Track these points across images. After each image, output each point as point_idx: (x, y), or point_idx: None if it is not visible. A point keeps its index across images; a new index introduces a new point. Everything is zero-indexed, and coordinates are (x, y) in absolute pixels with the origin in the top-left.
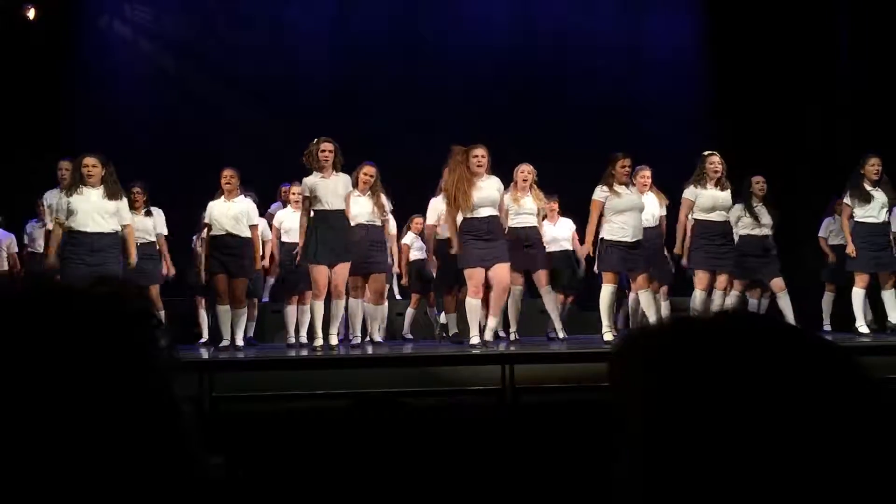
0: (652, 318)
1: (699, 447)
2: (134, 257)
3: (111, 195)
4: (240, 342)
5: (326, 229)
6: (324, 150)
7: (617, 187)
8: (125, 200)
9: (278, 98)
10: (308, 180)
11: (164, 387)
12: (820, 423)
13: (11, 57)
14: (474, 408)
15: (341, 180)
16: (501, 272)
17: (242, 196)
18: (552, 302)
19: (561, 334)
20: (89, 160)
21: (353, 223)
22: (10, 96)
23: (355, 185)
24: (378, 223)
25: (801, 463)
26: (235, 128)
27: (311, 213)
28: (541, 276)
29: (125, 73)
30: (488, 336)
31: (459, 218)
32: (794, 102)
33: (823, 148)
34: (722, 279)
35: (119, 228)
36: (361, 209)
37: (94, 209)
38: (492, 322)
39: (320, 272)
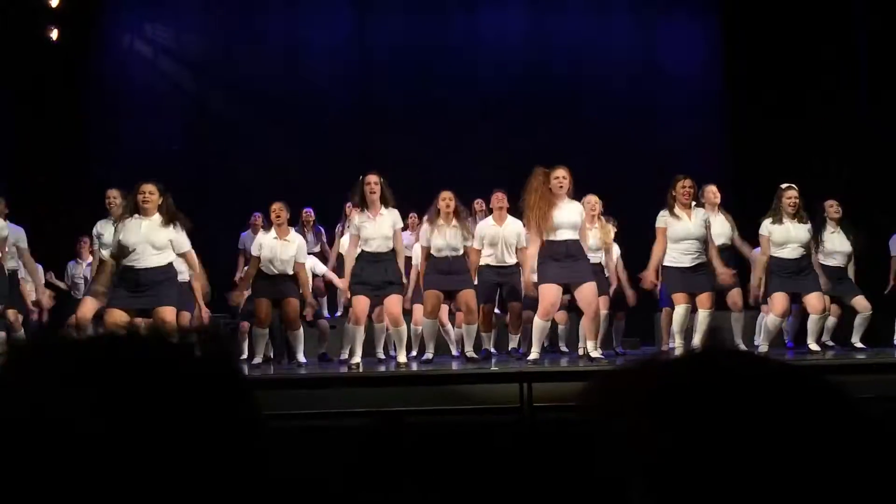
0: (697, 338)
1: (702, 487)
2: (204, 286)
3: (165, 224)
4: (302, 359)
5: (372, 267)
6: (369, 183)
7: (678, 211)
8: (182, 230)
9: (296, 116)
10: (356, 219)
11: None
12: (811, 453)
13: (34, 76)
14: (492, 426)
15: (388, 219)
16: (587, 292)
17: (293, 232)
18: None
19: (594, 354)
20: (146, 187)
21: (436, 255)
22: (33, 115)
23: (437, 215)
24: (461, 252)
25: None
26: (253, 145)
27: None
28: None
29: (145, 91)
30: (594, 354)
31: (534, 249)
32: (814, 111)
33: (843, 156)
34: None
35: (172, 260)
36: (447, 241)
37: (143, 241)
38: (590, 345)
39: (359, 302)
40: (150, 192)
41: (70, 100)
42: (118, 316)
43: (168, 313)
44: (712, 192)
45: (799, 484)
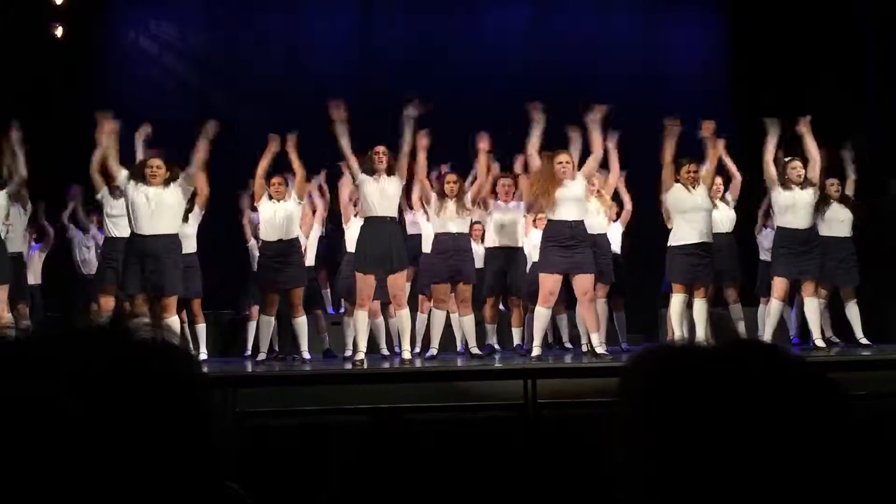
0: (700, 331)
1: (691, 473)
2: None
3: (167, 185)
4: (306, 355)
5: (376, 236)
6: (377, 152)
7: (685, 185)
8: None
9: (299, 112)
10: (360, 177)
11: (194, 415)
12: (798, 441)
13: (39, 73)
14: (496, 423)
15: (393, 183)
16: (584, 283)
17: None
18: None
19: (599, 349)
20: (154, 161)
21: (442, 232)
22: (38, 112)
23: (442, 195)
24: (466, 231)
25: (783, 480)
26: (257, 142)
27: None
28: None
29: (150, 87)
30: (600, 350)
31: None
32: (819, 106)
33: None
34: (808, 287)
35: (178, 230)
36: (450, 216)
37: (152, 205)
38: (595, 339)
39: (365, 281)
40: (158, 167)
41: (74, 96)
42: (140, 305)
43: (171, 303)
44: (715, 184)
45: (786, 482)
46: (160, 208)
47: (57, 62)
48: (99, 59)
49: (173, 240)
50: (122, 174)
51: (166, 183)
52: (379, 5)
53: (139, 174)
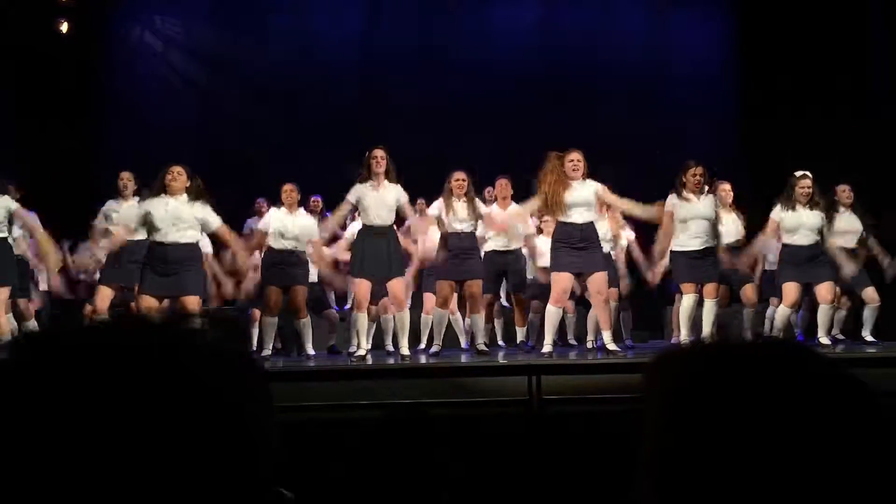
0: (706, 330)
1: (705, 473)
2: (242, 255)
3: (191, 202)
4: (311, 351)
5: (374, 242)
6: (375, 157)
7: (687, 194)
8: (209, 207)
9: (306, 110)
10: (358, 187)
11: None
12: (823, 447)
13: (44, 69)
14: (501, 419)
15: (392, 192)
16: (597, 282)
17: (303, 210)
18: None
19: (611, 346)
20: (175, 168)
21: (449, 232)
22: (44, 108)
23: (450, 194)
24: (471, 230)
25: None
26: (264, 139)
27: (356, 223)
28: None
29: (155, 84)
30: (611, 346)
31: (532, 206)
32: (825, 104)
33: (855, 149)
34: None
35: (199, 239)
36: (458, 216)
37: (171, 218)
38: (606, 336)
39: (362, 285)
40: (179, 173)
41: (79, 92)
42: (150, 302)
43: (191, 303)
44: (725, 190)
45: (817, 481)
46: (180, 221)
47: (61, 57)
48: (104, 56)
49: (194, 248)
50: (132, 228)
51: (189, 197)
52: (386, 4)
53: (159, 186)
